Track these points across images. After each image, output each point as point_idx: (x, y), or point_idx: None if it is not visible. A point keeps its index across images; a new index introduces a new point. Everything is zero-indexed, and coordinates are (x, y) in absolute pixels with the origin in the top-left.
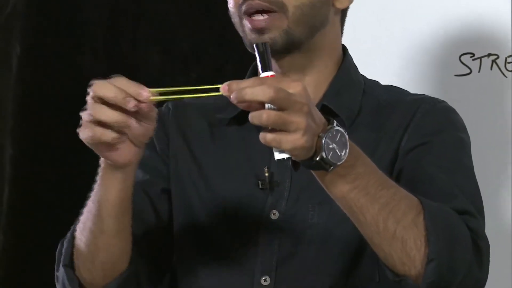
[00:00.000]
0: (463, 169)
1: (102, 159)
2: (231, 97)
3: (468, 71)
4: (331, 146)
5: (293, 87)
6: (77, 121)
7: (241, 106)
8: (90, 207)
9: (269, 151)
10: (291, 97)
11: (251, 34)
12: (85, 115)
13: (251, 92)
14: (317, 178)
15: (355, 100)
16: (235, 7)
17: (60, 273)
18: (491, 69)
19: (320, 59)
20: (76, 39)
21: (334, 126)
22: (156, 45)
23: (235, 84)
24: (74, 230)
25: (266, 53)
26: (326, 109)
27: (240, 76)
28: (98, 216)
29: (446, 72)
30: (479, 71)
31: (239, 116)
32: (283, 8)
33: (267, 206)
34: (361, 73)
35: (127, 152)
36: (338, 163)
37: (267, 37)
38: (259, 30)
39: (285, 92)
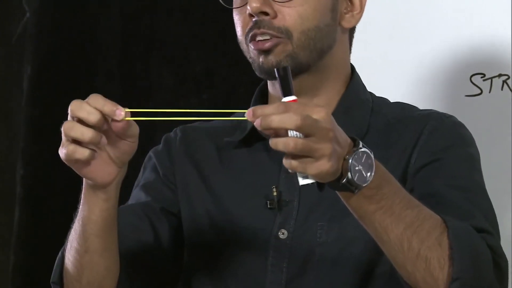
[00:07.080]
0: (476, 186)
1: (84, 179)
2: (255, 123)
3: (479, 91)
4: (357, 168)
5: (317, 112)
6: None
7: (266, 132)
8: (75, 226)
9: (278, 170)
10: (317, 124)
11: (258, 56)
12: (62, 133)
13: (279, 119)
14: (342, 198)
15: (364, 119)
16: (243, 35)
17: None
18: (501, 89)
19: (329, 79)
20: (88, 60)
21: (360, 148)
22: (169, 67)
23: (260, 110)
24: (63, 249)
25: (287, 77)
26: None
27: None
28: (82, 235)
29: (457, 92)
30: (489, 92)
31: (247, 138)
32: (288, 34)
33: (275, 226)
34: (371, 91)
35: (107, 172)
36: (364, 185)
37: (272, 58)
38: (264, 51)
39: (311, 119)
